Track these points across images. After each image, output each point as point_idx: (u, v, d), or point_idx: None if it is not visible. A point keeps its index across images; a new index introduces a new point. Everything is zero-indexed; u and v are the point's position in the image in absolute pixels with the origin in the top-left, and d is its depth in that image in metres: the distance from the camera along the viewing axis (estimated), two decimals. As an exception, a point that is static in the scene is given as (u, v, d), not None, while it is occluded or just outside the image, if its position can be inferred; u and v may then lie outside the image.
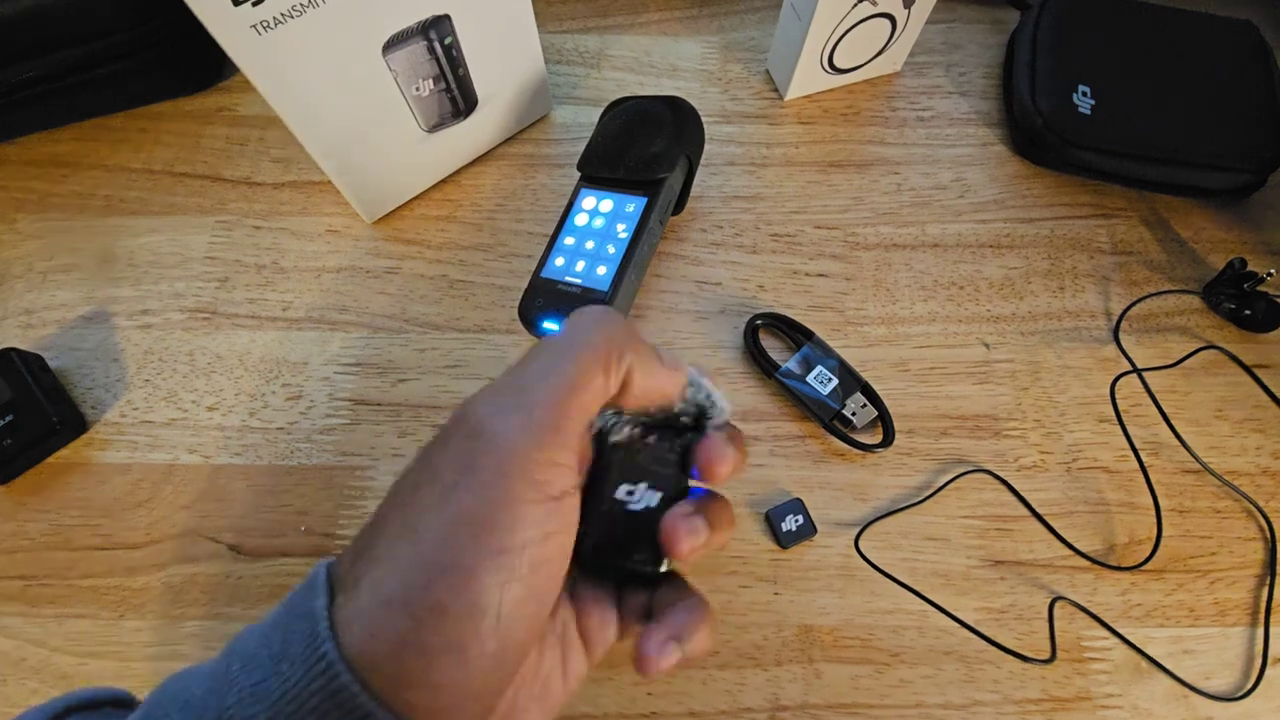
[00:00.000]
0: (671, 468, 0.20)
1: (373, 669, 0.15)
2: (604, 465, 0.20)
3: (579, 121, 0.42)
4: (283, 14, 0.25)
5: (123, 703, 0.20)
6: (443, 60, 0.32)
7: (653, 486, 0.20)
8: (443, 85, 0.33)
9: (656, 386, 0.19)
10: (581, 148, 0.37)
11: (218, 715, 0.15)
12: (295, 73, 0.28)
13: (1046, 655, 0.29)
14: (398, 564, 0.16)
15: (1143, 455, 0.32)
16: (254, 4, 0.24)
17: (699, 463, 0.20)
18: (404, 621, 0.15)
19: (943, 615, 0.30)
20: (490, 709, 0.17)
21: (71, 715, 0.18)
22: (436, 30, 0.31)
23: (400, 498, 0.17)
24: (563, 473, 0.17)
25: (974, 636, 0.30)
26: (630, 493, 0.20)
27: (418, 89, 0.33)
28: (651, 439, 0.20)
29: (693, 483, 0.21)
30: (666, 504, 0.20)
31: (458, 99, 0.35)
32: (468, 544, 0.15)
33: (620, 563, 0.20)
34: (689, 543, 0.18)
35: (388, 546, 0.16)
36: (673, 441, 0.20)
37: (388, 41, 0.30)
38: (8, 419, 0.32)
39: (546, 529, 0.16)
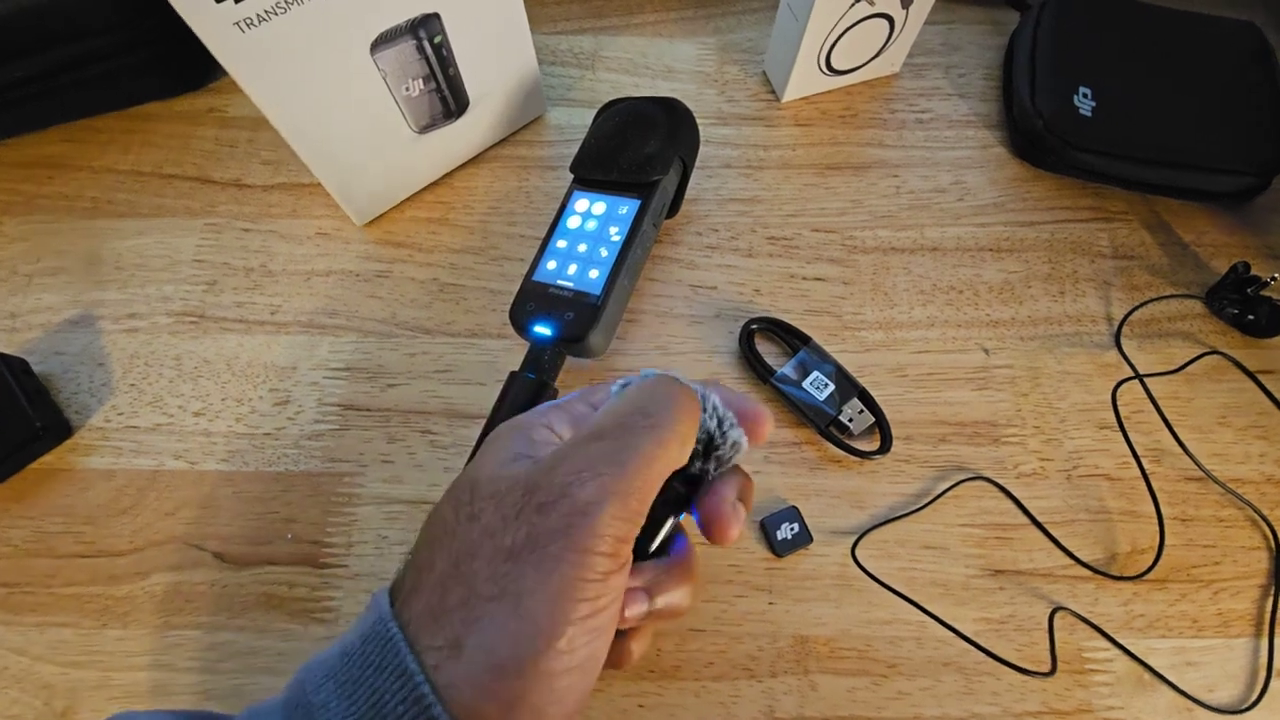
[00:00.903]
0: (671, 488, 0.20)
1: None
2: None
3: (573, 123, 0.41)
4: (265, 11, 0.25)
5: None
6: (432, 60, 0.32)
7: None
8: (433, 85, 0.33)
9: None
10: (575, 150, 0.37)
11: None
12: (281, 71, 0.27)
13: (1047, 668, 0.29)
14: (505, 632, 0.16)
15: (1145, 462, 0.32)
16: (235, 1, 0.24)
17: (703, 517, 0.21)
18: (514, 685, 0.16)
19: (941, 626, 0.29)
20: None
21: None
22: (425, 29, 0.30)
23: (475, 552, 0.17)
24: (630, 544, 0.18)
25: (972, 648, 0.29)
26: None
27: (407, 89, 0.32)
28: None
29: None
30: (654, 530, 0.20)
31: (448, 99, 0.34)
32: (569, 614, 0.16)
33: None
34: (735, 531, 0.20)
35: (487, 610, 0.17)
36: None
37: (375, 40, 0.29)
38: (-10, 424, 0.31)
39: (619, 592, 0.18)
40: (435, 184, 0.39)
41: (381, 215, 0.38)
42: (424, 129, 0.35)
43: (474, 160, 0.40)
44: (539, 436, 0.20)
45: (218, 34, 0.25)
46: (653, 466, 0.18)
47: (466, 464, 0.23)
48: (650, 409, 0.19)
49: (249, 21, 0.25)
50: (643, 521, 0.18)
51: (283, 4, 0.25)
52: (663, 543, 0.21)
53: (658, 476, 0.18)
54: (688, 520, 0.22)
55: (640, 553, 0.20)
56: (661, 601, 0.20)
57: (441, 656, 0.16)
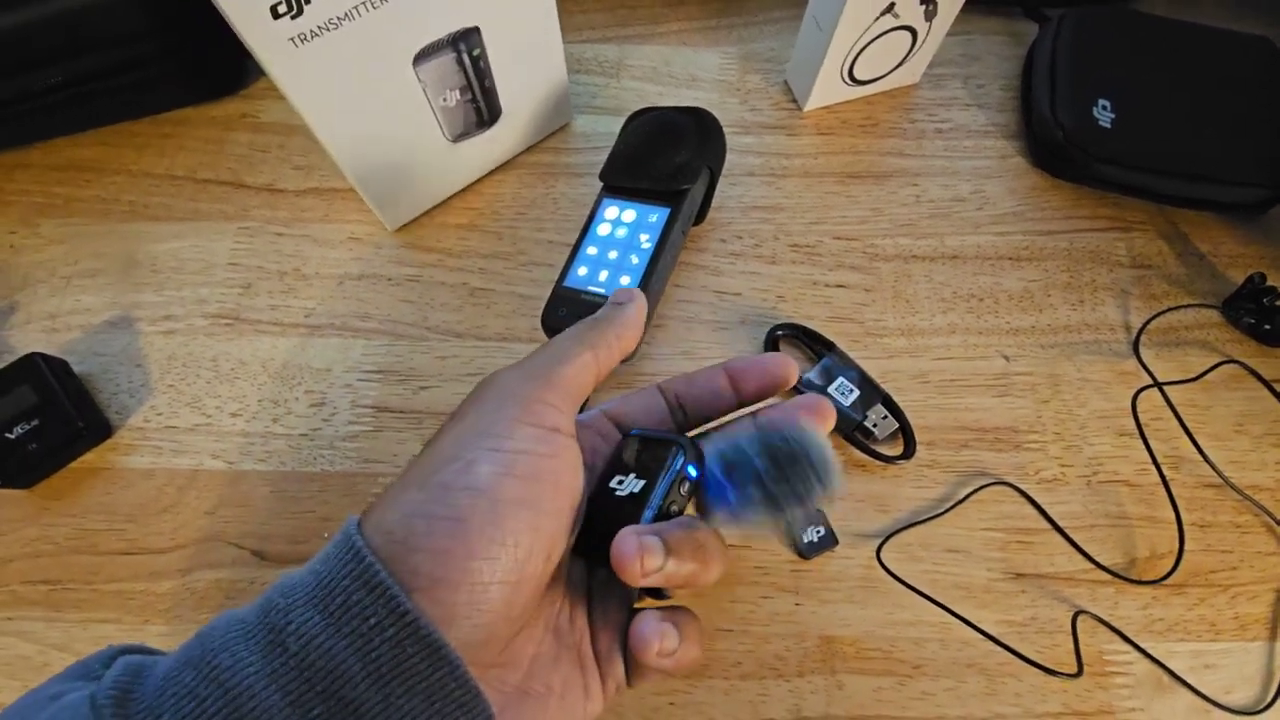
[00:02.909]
0: (663, 468, 0.21)
1: (386, 538, 0.17)
2: (607, 469, 0.23)
3: (598, 131, 0.42)
4: (320, 27, 0.26)
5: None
6: (470, 72, 0.32)
7: (639, 477, 0.22)
8: (469, 96, 0.34)
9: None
10: (601, 157, 0.37)
11: (264, 608, 0.17)
12: (328, 84, 0.28)
13: (1072, 669, 0.29)
14: (415, 467, 0.19)
15: (1164, 469, 0.32)
16: (293, 17, 0.25)
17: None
18: (414, 494, 0.18)
19: (964, 628, 0.30)
20: (494, 626, 0.18)
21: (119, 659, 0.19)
22: (465, 43, 0.31)
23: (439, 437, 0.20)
24: (552, 411, 0.20)
25: (995, 649, 0.30)
26: (620, 481, 0.22)
27: (445, 99, 0.33)
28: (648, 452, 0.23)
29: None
30: (647, 491, 0.21)
31: (482, 109, 0.35)
32: (469, 442, 0.19)
33: (603, 545, 0.20)
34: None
35: (407, 466, 0.20)
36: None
37: (419, 53, 0.30)
38: (33, 423, 0.32)
39: (540, 450, 0.19)
40: (464, 190, 0.40)
41: (412, 221, 0.39)
42: (458, 138, 0.36)
43: (502, 167, 0.41)
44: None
45: (272, 48, 0.25)
46: (552, 356, 0.22)
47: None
48: (584, 334, 0.23)
49: (303, 37, 0.26)
50: (556, 391, 0.21)
51: (335, 20, 0.26)
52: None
53: (558, 365, 0.21)
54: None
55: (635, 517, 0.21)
56: (674, 564, 0.20)
57: (374, 526, 0.18)
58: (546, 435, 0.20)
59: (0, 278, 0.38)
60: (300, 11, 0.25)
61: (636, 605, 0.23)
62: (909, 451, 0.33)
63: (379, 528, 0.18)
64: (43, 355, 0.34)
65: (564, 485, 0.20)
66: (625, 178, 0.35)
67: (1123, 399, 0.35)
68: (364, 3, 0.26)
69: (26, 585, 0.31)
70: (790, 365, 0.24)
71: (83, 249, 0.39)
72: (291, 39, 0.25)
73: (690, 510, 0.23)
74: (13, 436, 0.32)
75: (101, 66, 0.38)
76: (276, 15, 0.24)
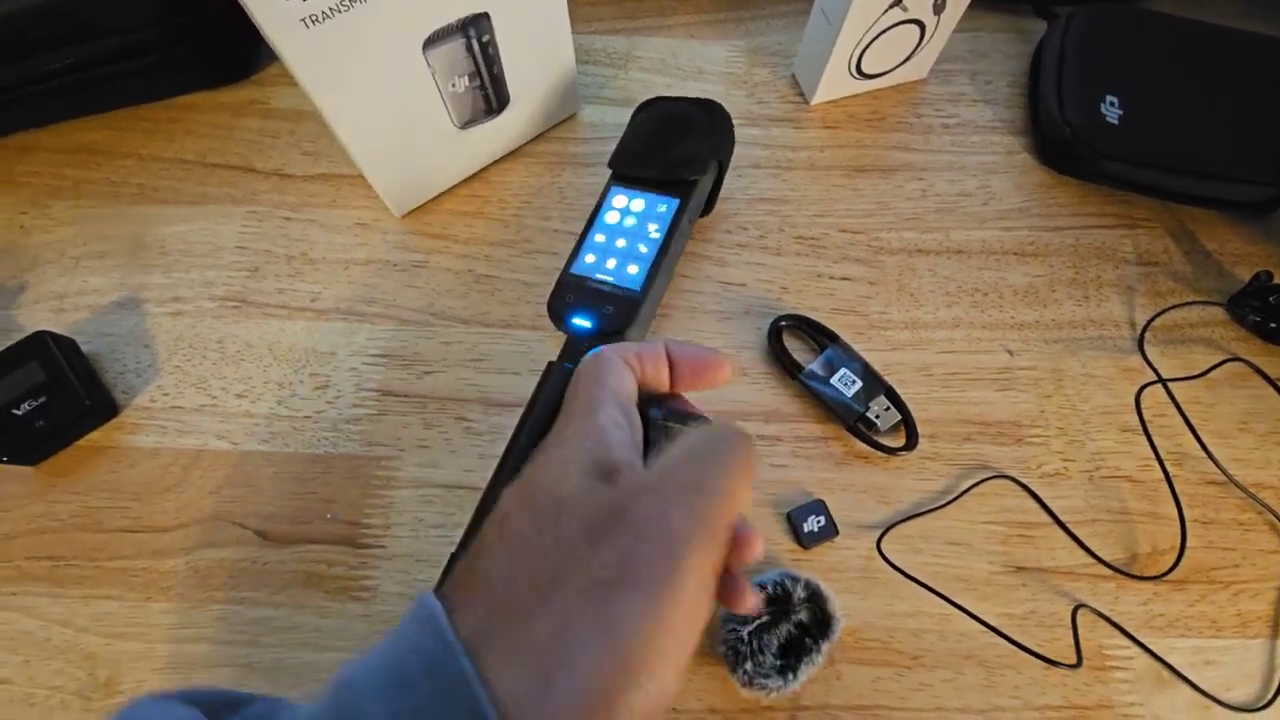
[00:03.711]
0: None
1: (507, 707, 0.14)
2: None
3: (606, 121, 0.42)
4: (331, 8, 0.26)
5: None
6: (479, 58, 0.33)
7: None
8: (477, 83, 0.34)
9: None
10: (608, 147, 0.37)
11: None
12: (339, 67, 0.28)
13: (1071, 661, 0.29)
14: (599, 667, 0.15)
15: (1167, 465, 0.32)
16: (304, -2, 0.25)
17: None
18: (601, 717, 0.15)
19: (963, 620, 0.30)
20: None
21: None
22: (475, 28, 0.31)
23: (564, 578, 0.16)
24: (717, 577, 0.18)
25: (994, 641, 0.30)
26: None
27: (454, 85, 0.33)
28: None
29: None
30: None
31: (491, 96, 0.35)
32: (665, 646, 0.15)
33: None
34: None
35: (581, 645, 0.15)
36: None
37: (429, 38, 0.30)
38: (40, 400, 0.32)
39: (709, 613, 0.17)
40: (471, 178, 0.40)
41: (419, 207, 0.39)
42: (466, 125, 0.36)
43: (509, 155, 0.41)
44: (606, 457, 0.19)
45: (284, 29, 0.25)
46: (733, 500, 0.17)
47: (507, 455, 0.23)
48: (720, 449, 0.18)
49: (314, 18, 0.26)
50: (725, 553, 0.18)
51: (346, 2, 0.26)
52: None
53: (735, 511, 0.18)
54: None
55: None
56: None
57: (522, 694, 0.15)
58: (711, 601, 0.17)
59: (10, 258, 0.38)
60: (312, -8, 0.25)
61: None
62: (911, 443, 0.33)
63: (502, 683, 0.15)
64: (51, 333, 0.34)
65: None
66: (635, 167, 0.35)
67: (1126, 395, 0.35)
68: (375, -15, 0.27)
69: (31, 561, 0.32)
70: (727, 371, 0.23)
71: (91, 231, 0.39)
72: (303, 20, 0.26)
73: None
74: (20, 413, 0.32)
75: (112, 51, 0.38)
76: (289, -5, 0.25)
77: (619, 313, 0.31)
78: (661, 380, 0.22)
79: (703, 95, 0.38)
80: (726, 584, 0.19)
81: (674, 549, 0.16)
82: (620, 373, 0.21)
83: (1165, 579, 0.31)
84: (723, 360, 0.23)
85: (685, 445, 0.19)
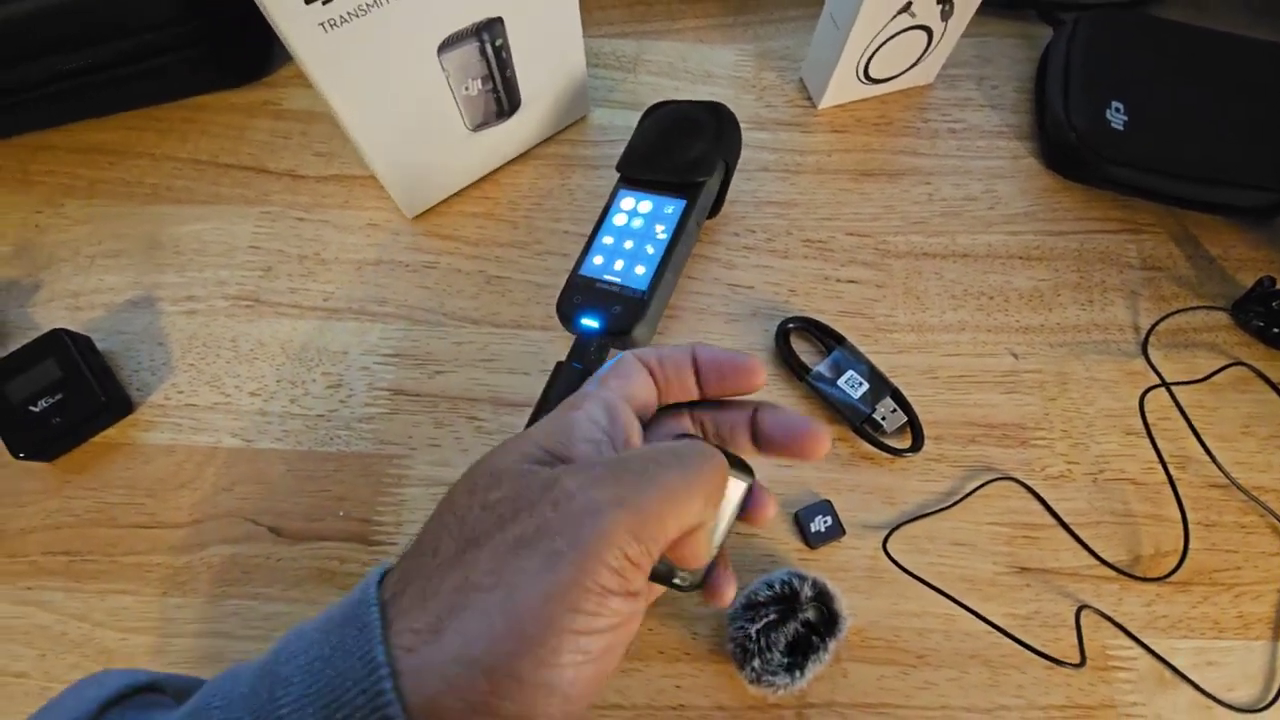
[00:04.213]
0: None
1: (421, 694, 0.15)
2: None
3: (615, 124, 0.43)
4: (349, 13, 0.26)
5: (153, 688, 0.20)
6: (492, 61, 0.33)
7: None
8: (490, 86, 0.34)
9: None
10: (617, 150, 0.38)
11: (262, 675, 0.16)
12: (355, 70, 0.29)
13: (1076, 660, 0.30)
14: (489, 624, 0.15)
15: (1170, 468, 0.33)
16: (324, 2, 0.25)
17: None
18: (482, 685, 0.15)
19: (967, 619, 0.30)
20: None
21: (108, 713, 0.18)
22: (489, 32, 0.32)
23: (480, 539, 0.16)
24: (642, 575, 0.17)
25: (999, 641, 0.30)
26: None
27: (467, 89, 0.33)
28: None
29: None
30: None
31: (503, 99, 0.36)
32: (559, 621, 0.15)
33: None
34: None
35: (477, 600, 0.15)
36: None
37: (444, 42, 0.30)
38: (57, 397, 0.33)
39: (620, 620, 0.16)
40: (482, 179, 0.40)
41: (431, 208, 0.39)
42: (478, 127, 0.36)
43: (520, 157, 0.41)
44: (561, 446, 0.18)
45: (302, 33, 0.26)
46: (673, 502, 0.17)
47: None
48: (683, 454, 0.18)
49: (332, 22, 0.26)
50: (656, 555, 0.17)
51: (364, 6, 0.26)
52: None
53: (674, 515, 0.17)
54: None
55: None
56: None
57: (418, 640, 0.15)
58: (630, 603, 0.17)
59: (25, 256, 0.38)
60: (330, -3, 0.25)
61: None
62: (917, 445, 0.34)
63: (429, 708, 0.15)
64: (67, 331, 0.34)
65: (630, 639, 0.18)
66: (642, 169, 0.36)
67: (1130, 398, 0.35)
68: (392, -11, 0.27)
69: (47, 556, 0.32)
70: (759, 377, 0.22)
71: (106, 230, 0.39)
72: (321, 24, 0.26)
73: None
74: (37, 410, 0.33)
75: (127, 52, 0.38)
76: (308, 0, 0.25)
77: (626, 312, 0.32)
78: (687, 386, 0.21)
79: (711, 99, 0.38)
80: (714, 579, 0.20)
81: (589, 520, 0.16)
82: (630, 376, 0.21)
83: (1168, 580, 0.31)
84: (752, 364, 0.21)
85: (650, 446, 0.19)
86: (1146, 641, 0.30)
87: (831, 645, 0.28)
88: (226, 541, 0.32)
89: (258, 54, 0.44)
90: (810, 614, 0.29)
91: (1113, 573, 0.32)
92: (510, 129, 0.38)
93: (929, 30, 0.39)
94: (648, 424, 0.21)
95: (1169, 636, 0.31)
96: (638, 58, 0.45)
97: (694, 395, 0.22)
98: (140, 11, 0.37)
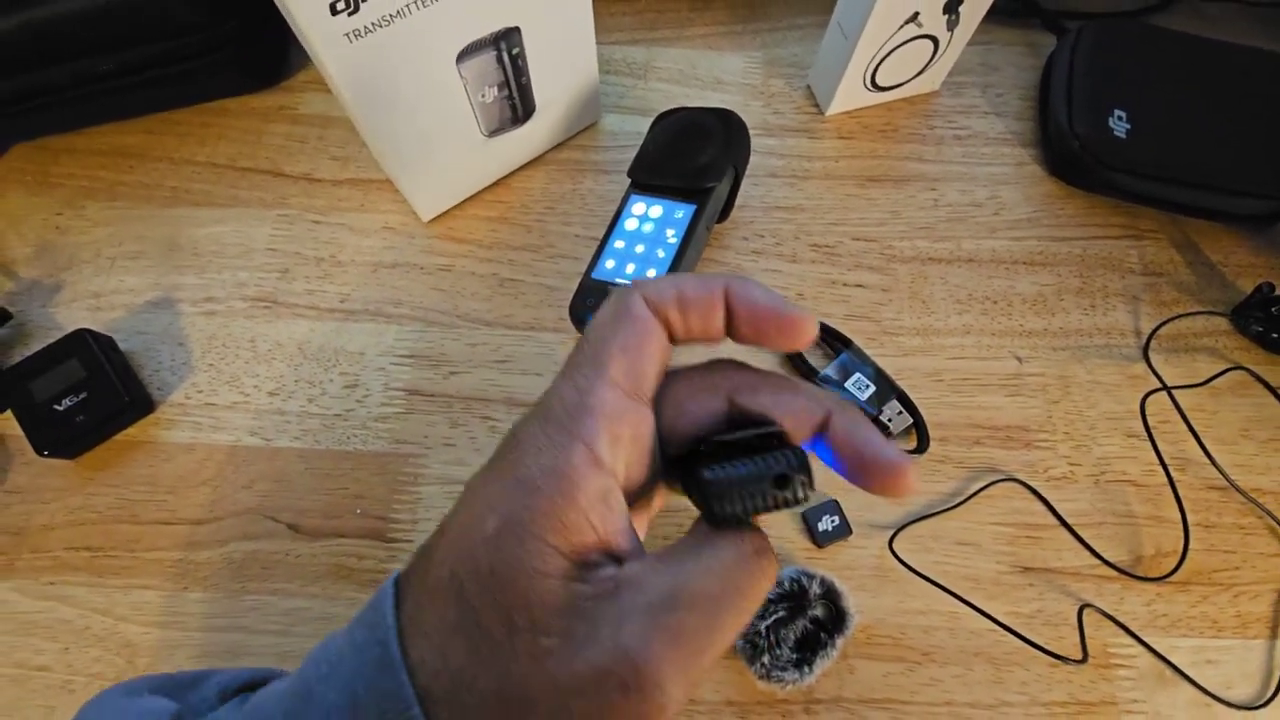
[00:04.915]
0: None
1: (438, 685, 0.14)
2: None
3: (626, 130, 0.43)
4: (373, 23, 0.27)
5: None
6: (509, 69, 0.34)
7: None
8: (506, 93, 0.35)
9: None
10: (627, 155, 0.39)
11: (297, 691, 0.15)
12: (377, 78, 0.30)
13: (1078, 657, 0.30)
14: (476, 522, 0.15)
15: (1170, 470, 0.33)
16: (350, 14, 0.26)
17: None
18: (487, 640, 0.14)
19: (972, 617, 0.31)
20: None
21: None
22: (507, 41, 0.32)
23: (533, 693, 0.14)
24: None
25: (1003, 639, 0.31)
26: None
27: (483, 96, 0.34)
28: None
29: None
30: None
31: (518, 106, 0.37)
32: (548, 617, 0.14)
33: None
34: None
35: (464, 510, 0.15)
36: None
37: (462, 51, 0.31)
38: (81, 396, 0.34)
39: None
40: (496, 184, 0.41)
41: (445, 212, 0.40)
42: (493, 133, 0.37)
43: (533, 162, 0.42)
44: (582, 542, 0.15)
45: (328, 43, 0.27)
46: (725, 647, 0.15)
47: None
48: (744, 587, 0.15)
49: (357, 33, 0.27)
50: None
51: (388, 17, 0.27)
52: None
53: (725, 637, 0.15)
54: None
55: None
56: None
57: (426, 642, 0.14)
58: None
59: (47, 256, 0.39)
60: (356, 9, 0.26)
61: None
62: (922, 446, 0.34)
63: (426, 659, 0.14)
64: (91, 332, 0.35)
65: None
66: (653, 175, 0.36)
67: (1131, 402, 0.36)
68: (415, 1, 0.28)
69: (70, 551, 0.33)
70: (809, 332, 0.16)
71: (126, 231, 0.40)
72: (347, 34, 0.27)
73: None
74: (61, 408, 0.33)
75: (151, 57, 0.39)
76: (335, 12, 0.26)
77: (642, 317, 0.32)
78: (712, 330, 0.17)
79: (720, 105, 0.39)
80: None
81: (658, 715, 0.13)
82: (639, 334, 0.16)
83: (1168, 580, 0.32)
84: (799, 317, 0.16)
85: (702, 584, 0.14)
86: (1147, 640, 0.31)
87: (839, 642, 0.29)
88: (246, 538, 0.33)
89: (275, 58, 0.44)
90: (818, 611, 0.30)
91: (1114, 572, 0.32)
92: (524, 135, 0.39)
93: (935, 39, 0.40)
94: (659, 401, 0.17)
95: (1169, 635, 0.31)
96: (648, 64, 0.46)
97: (719, 339, 0.17)
98: (173, 16, 0.38)
